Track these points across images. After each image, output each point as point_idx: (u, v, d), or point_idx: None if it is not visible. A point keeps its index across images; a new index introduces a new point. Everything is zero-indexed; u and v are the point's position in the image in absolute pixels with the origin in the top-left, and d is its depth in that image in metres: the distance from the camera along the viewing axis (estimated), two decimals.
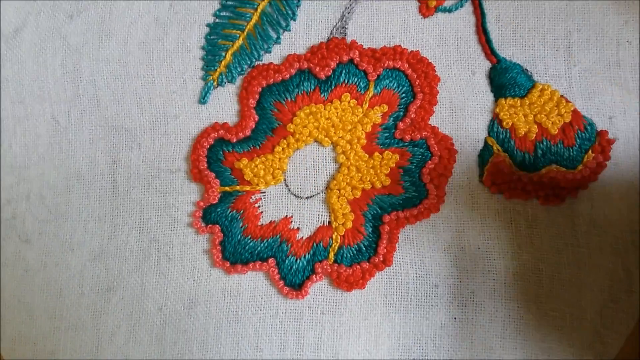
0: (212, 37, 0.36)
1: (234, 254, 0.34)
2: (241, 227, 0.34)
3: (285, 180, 0.35)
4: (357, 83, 0.35)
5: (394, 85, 0.35)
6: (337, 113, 0.34)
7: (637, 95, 0.34)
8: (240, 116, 0.35)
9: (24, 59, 0.37)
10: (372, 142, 0.34)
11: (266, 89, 0.35)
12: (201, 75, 0.36)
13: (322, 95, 0.35)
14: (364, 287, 0.33)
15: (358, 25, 0.36)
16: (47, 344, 0.34)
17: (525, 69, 0.34)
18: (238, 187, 0.34)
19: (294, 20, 0.36)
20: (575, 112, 0.34)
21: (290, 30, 0.36)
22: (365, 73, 0.35)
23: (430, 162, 0.34)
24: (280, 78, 0.35)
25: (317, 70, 0.35)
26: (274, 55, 0.36)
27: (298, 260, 0.34)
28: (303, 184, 0.34)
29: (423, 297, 0.33)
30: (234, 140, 0.35)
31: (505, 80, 0.34)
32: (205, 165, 0.34)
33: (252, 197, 0.34)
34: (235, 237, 0.34)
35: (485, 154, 0.34)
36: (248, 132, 0.35)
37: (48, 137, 0.36)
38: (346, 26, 0.36)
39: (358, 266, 0.33)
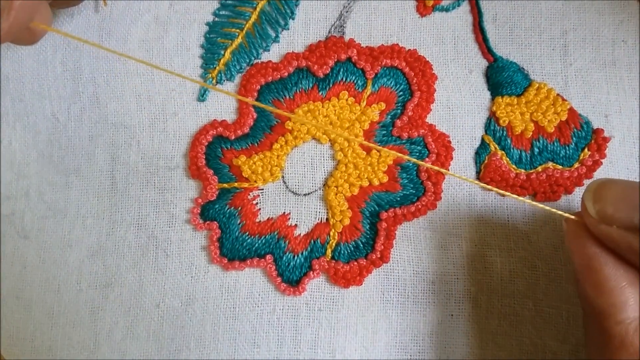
0: (211, 36, 0.36)
1: (232, 250, 0.34)
2: (239, 224, 0.34)
3: (283, 177, 0.35)
4: (355, 81, 0.35)
5: (392, 84, 0.35)
6: (335, 111, 0.35)
7: (633, 94, 0.34)
8: (239, 114, 0.35)
9: (24, 57, 0.37)
10: (369, 139, 0.34)
11: (265, 86, 0.35)
12: (200, 73, 0.36)
13: (320, 93, 0.35)
14: (361, 284, 0.33)
15: (356, 24, 0.36)
16: (45, 340, 0.34)
17: (522, 68, 0.35)
18: (236, 184, 0.35)
19: (293, 19, 0.36)
20: (571, 111, 0.34)
21: (289, 29, 0.36)
22: (363, 71, 0.35)
23: (427, 159, 0.34)
24: (279, 76, 0.35)
25: (316, 69, 0.35)
26: (273, 54, 0.36)
27: (295, 257, 0.34)
28: (301, 181, 0.35)
29: (420, 294, 0.33)
30: (233, 137, 0.35)
31: (502, 78, 0.34)
32: (204, 162, 0.35)
33: (250, 194, 0.35)
34: (233, 234, 0.34)
35: (482, 151, 0.34)
36: (246, 130, 0.35)
37: (48, 134, 0.36)
38: (344, 25, 0.36)
39: (355, 263, 0.33)
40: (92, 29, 0.37)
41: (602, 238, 0.25)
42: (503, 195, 0.33)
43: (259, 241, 0.34)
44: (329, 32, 0.36)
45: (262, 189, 0.35)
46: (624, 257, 0.25)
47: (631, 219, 0.23)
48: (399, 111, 0.35)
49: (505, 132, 0.34)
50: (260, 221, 0.34)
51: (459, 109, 0.35)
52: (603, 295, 0.24)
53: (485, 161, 0.34)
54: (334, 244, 0.34)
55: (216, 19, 0.37)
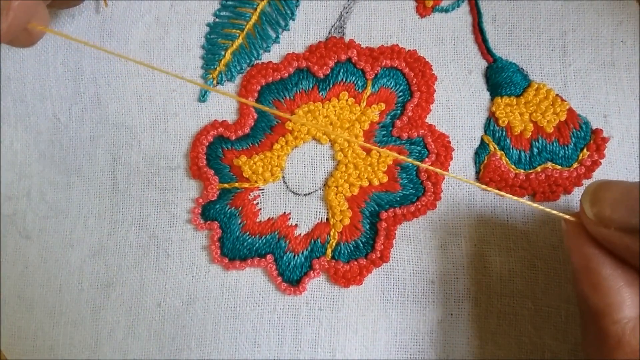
0: (212, 37, 0.36)
1: (233, 250, 0.34)
2: (240, 224, 0.34)
3: (283, 177, 0.35)
4: (355, 82, 0.35)
5: (392, 84, 0.35)
6: (335, 111, 0.35)
7: (632, 95, 0.34)
8: (240, 114, 0.35)
9: (25, 58, 0.37)
10: (369, 140, 0.35)
11: (265, 87, 0.35)
12: (201, 74, 0.36)
13: (321, 93, 0.35)
14: (361, 284, 0.33)
15: (356, 25, 0.36)
16: (47, 339, 0.35)
17: (521, 68, 0.35)
18: (237, 184, 0.35)
19: (293, 20, 0.36)
20: (570, 111, 0.34)
21: (289, 30, 0.36)
22: (363, 72, 0.35)
23: (427, 159, 0.34)
24: (279, 77, 0.35)
25: (316, 69, 0.35)
26: (273, 55, 0.36)
27: (296, 257, 0.34)
28: (301, 181, 0.35)
29: (420, 293, 0.33)
30: (233, 137, 0.35)
31: (501, 79, 0.35)
32: (205, 162, 0.35)
33: (251, 194, 0.35)
34: (234, 234, 0.34)
35: (481, 151, 0.34)
36: (247, 130, 0.35)
37: (49, 134, 0.36)
38: (344, 26, 0.36)
39: (355, 262, 0.33)
40: (93, 30, 0.37)
41: (600, 239, 0.25)
42: (502, 197, 0.33)
43: (260, 241, 0.34)
44: (329, 32, 0.36)
45: (263, 189, 0.35)
46: (622, 258, 0.25)
47: (628, 221, 0.24)
48: (398, 111, 0.35)
49: (504, 133, 0.34)
50: (260, 221, 0.35)
51: (458, 109, 0.35)
52: (600, 295, 0.25)
53: (485, 161, 0.34)
54: (334, 244, 0.34)
55: (217, 19, 0.37)
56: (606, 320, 0.24)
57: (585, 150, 0.33)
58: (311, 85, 0.35)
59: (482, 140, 0.34)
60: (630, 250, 0.24)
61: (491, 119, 0.34)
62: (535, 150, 0.34)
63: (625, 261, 0.25)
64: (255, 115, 0.35)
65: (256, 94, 0.35)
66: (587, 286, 0.25)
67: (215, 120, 0.35)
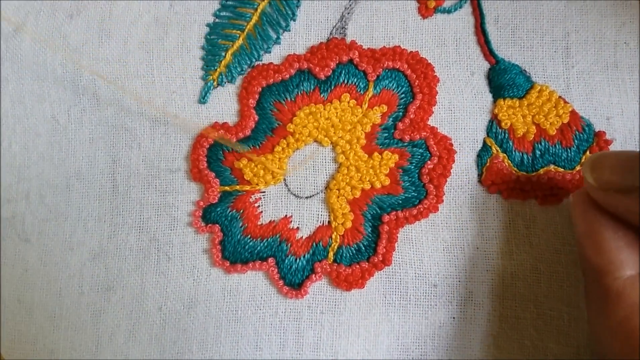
0: (212, 37, 0.36)
1: (234, 253, 0.34)
2: (241, 227, 0.34)
3: (285, 180, 0.35)
4: (357, 83, 0.35)
5: (394, 86, 0.35)
6: (337, 113, 0.35)
7: (634, 97, 0.34)
8: (240, 116, 0.35)
9: (23, 58, 0.37)
10: (371, 142, 0.34)
11: (266, 89, 0.35)
12: (201, 75, 0.36)
13: (322, 95, 0.35)
14: (363, 287, 0.33)
15: (358, 26, 0.36)
16: (47, 343, 0.34)
17: (524, 70, 0.35)
18: (238, 187, 0.34)
19: (294, 20, 0.36)
20: (573, 113, 0.34)
21: (290, 31, 0.36)
22: (365, 73, 0.35)
23: (429, 162, 0.34)
24: (280, 78, 0.35)
25: (317, 71, 0.35)
26: (274, 56, 0.36)
27: (297, 260, 0.34)
28: (303, 183, 0.35)
29: (422, 297, 0.33)
30: (234, 140, 0.35)
31: (504, 81, 0.34)
32: (205, 164, 0.35)
33: (252, 196, 0.35)
34: (235, 237, 0.34)
35: (484, 154, 0.34)
36: (248, 132, 0.35)
37: (48, 136, 0.36)
38: (346, 26, 0.36)
39: (357, 266, 0.33)
40: (91, 30, 0.37)
41: (602, 203, 0.27)
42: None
43: (261, 244, 0.34)
44: (331, 33, 0.36)
45: (264, 192, 0.35)
46: (623, 220, 0.27)
47: (625, 182, 0.25)
48: (400, 113, 0.35)
49: (507, 135, 0.34)
50: (262, 224, 0.34)
51: (460, 111, 0.35)
52: (602, 254, 0.26)
53: (487, 164, 0.34)
54: (336, 247, 0.34)
55: (217, 20, 0.36)
56: (608, 278, 0.26)
57: (588, 152, 0.33)
58: (312, 87, 0.35)
59: (484, 142, 0.34)
60: (630, 211, 0.26)
61: (494, 121, 0.34)
62: (538, 152, 0.34)
63: (626, 223, 0.27)
64: (256, 118, 0.35)
65: (257, 96, 0.35)
66: (591, 248, 0.27)
67: (216, 122, 0.35)
